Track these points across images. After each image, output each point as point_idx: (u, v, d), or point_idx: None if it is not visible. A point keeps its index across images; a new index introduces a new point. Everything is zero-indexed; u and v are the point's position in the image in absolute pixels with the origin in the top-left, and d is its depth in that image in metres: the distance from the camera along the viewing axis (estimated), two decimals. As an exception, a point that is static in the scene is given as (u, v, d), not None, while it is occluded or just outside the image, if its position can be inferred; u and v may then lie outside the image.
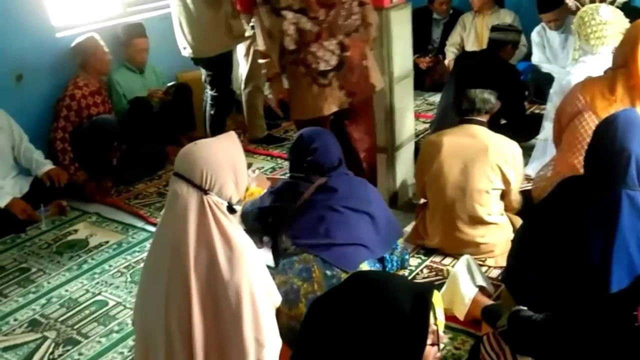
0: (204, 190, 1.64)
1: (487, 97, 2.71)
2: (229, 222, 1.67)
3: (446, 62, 5.05)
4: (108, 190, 3.82)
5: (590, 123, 2.50)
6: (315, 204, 2.26)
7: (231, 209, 1.70)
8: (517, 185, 2.72)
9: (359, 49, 2.65)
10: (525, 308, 1.96)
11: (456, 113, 2.83)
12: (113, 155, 3.94)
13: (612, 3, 3.09)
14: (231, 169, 1.70)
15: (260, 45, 2.68)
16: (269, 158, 4.23)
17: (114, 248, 3.21)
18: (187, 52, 3.83)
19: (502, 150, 2.64)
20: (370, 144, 2.97)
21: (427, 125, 4.25)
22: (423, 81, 5.00)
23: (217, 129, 3.94)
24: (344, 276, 2.09)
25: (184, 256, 1.62)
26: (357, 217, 2.26)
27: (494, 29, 3.92)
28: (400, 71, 3.11)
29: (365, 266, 2.20)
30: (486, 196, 2.66)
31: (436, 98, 4.66)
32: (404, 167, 3.28)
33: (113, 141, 3.87)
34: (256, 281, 1.67)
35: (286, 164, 4.04)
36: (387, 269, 2.39)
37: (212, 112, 4.01)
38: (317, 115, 2.67)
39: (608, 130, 1.95)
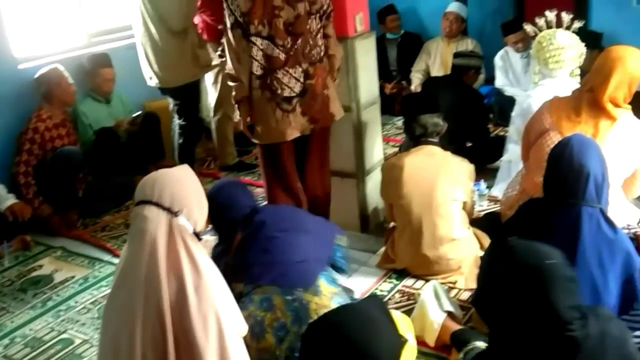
0: (173, 213, 1.63)
1: (437, 121, 2.87)
2: (196, 247, 1.66)
3: (412, 87, 5.14)
4: (74, 223, 3.75)
5: (556, 142, 2.55)
6: (252, 241, 2.23)
7: (197, 236, 1.69)
8: (470, 196, 2.88)
9: (322, 78, 2.74)
10: (479, 344, 1.98)
11: (410, 139, 2.98)
12: (79, 187, 3.87)
13: (568, 28, 3.18)
14: (196, 194, 1.71)
15: (229, 69, 2.73)
16: (239, 186, 4.20)
17: (80, 283, 3.13)
18: (153, 82, 3.82)
19: (457, 165, 2.83)
20: (326, 174, 3.04)
21: (396, 149, 4.29)
22: (392, 106, 5.07)
23: (187, 158, 3.93)
24: (304, 296, 2.05)
25: (157, 284, 1.59)
26: (295, 236, 2.25)
27: (456, 55, 4.04)
28: (366, 98, 3.16)
29: (323, 283, 2.14)
30: (451, 209, 2.76)
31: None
32: (375, 191, 3.29)
33: (77, 173, 3.80)
34: (222, 310, 1.65)
35: (257, 190, 4.04)
36: (339, 271, 2.37)
37: (181, 141, 3.99)
38: (279, 140, 2.72)
39: (564, 151, 2.01)
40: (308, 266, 2.18)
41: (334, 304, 1.95)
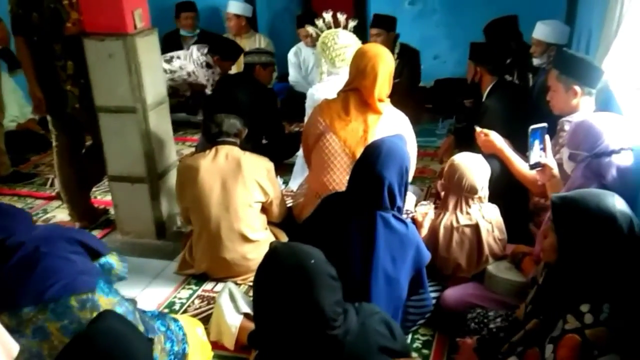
0: None
1: (233, 122, 2.82)
2: None
3: (208, 88, 5.02)
4: None
5: (332, 143, 2.69)
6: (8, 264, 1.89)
7: None
8: (275, 195, 2.82)
9: None
10: None
11: (207, 139, 2.88)
12: None
13: (345, 27, 3.37)
14: None
15: None
16: (16, 198, 3.75)
17: None
18: None
19: (255, 164, 2.76)
20: None
21: (194, 149, 4.18)
22: (190, 105, 4.91)
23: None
24: (81, 314, 1.81)
25: None
26: (59, 249, 1.93)
27: (247, 53, 4.03)
28: (153, 98, 2.99)
29: (101, 296, 1.88)
30: (249, 210, 2.73)
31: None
32: (170, 195, 3.16)
33: None
34: None
35: (37, 202, 3.66)
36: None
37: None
38: None
39: (370, 156, 2.12)
40: (79, 277, 1.92)
41: None
